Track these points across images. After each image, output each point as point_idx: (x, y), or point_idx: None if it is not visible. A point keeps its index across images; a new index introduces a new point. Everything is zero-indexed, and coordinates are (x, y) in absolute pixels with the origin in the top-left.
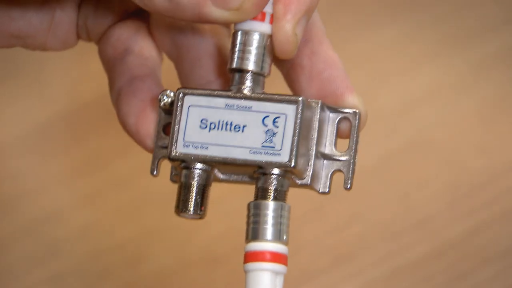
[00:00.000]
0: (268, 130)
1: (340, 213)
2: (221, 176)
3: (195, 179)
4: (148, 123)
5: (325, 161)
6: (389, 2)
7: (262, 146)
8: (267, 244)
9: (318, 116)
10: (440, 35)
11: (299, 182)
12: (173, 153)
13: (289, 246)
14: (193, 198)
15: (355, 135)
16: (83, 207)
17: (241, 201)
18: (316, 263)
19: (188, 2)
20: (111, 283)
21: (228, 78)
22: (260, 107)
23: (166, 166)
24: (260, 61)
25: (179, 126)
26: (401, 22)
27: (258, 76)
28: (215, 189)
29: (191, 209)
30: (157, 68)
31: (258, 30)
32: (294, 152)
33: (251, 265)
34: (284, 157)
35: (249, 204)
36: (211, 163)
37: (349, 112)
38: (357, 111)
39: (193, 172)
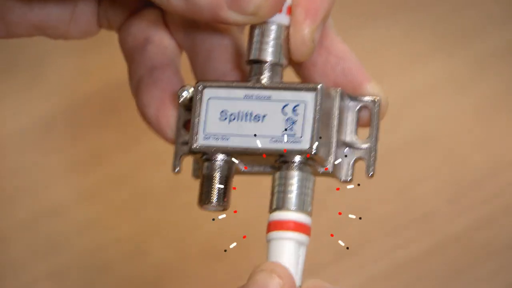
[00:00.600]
0: (288, 118)
1: (342, 208)
2: (243, 168)
3: (217, 171)
4: (169, 114)
5: (346, 149)
6: (390, 0)
7: (283, 135)
8: (291, 214)
9: (338, 104)
10: (441, 32)
11: (321, 170)
12: (194, 146)
13: None
14: (216, 189)
15: (375, 123)
16: (83, 201)
17: (241, 195)
18: (317, 257)
19: (204, 4)
20: (111, 278)
21: (243, 69)
22: (279, 96)
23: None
24: (277, 51)
25: (199, 119)
26: (401, 20)
27: (276, 66)
28: None
29: (214, 200)
30: (177, 57)
31: (276, 21)
32: (315, 139)
33: (275, 234)
34: (305, 144)
35: (274, 175)
36: (232, 153)
37: (368, 101)
38: (376, 99)
39: (215, 163)
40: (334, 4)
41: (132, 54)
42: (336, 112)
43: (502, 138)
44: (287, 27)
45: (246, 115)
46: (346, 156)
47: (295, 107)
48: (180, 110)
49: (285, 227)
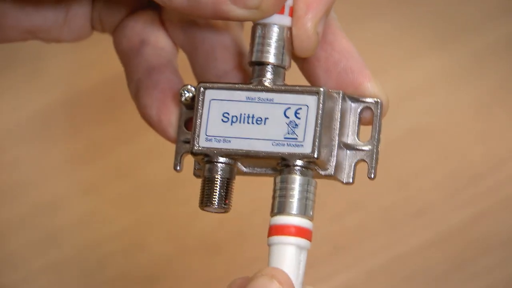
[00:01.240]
0: (290, 121)
1: (339, 202)
2: (244, 169)
3: (219, 173)
4: (170, 113)
5: (348, 151)
6: None
7: (285, 138)
8: (293, 218)
9: (339, 107)
10: (440, 25)
11: (322, 173)
12: (195, 148)
13: None
14: (217, 191)
15: (377, 125)
16: (82, 195)
17: (239, 189)
18: (315, 252)
19: (206, 0)
20: (111, 271)
21: (244, 69)
22: (281, 99)
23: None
24: (280, 53)
25: (201, 121)
26: (399, 13)
27: (279, 68)
28: None
29: (216, 202)
30: (173, 58)
31: (278, 23)
32: (317, 143)
33: (276, 239)
34: (307, 148)
35: (275, 178)
36: (234, 156)
37: (371, 102)
38: (379, 100)
39: (217, 166)
40: None
41: (128, 56)
42: (337, 114)
43: (500, 132)
44: (289, 28)
45: (248, 117)
46: (347, 158)
47: (297, 110)
48: (182, 109)
49: (286, 232)
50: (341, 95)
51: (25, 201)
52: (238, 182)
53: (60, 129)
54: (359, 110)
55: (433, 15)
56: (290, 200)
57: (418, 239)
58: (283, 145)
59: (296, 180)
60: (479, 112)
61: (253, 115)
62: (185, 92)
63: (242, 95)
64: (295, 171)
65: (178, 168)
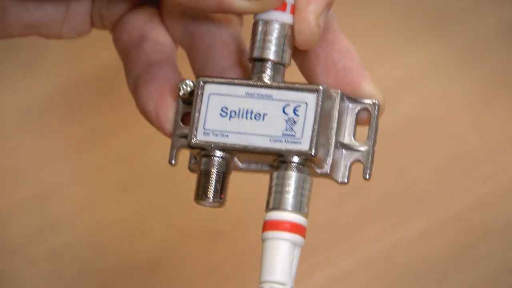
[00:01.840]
0: (289, 118)
1: (339, 188)
2: (240, 165)
3: (215, 167)
4: (167, 108)
5: (344, 151)
6: None
7: (283, 134)
8: (288, 214)
9: (338, 106)
10: (440, 10)
11: (318, 171)
12: (193, 141)
13: None
14: (213, 185)
15: (374, 126)
16: (82, 182)
17: (239, 176)
18: (313, 239)
19: None
20: (111, 259)
21: (243, 65)
22: (280, 95)
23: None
24: (280, 51)
25: (199, 114)
26: (396, 1)
27: (279, 65)
28: None
29: (211, 196)
30: (173, 54)
31: (279, 20)
32: (314, 140)
33: (270, 234)
34: (304, 145)
35: (271, 174)
36: (231, 151)
37: (368, 103)
38: (376, 102)
39: (213, 159)
40: None
41: (128, 51)
42: (335, 113)
43: (500, 119)
44: (290, 26)
45: (247, 112)
46: (343, 158)
47: (296, 107)
48: (179, 103)
49: (280, 228)
50: (339, 94)
51: (24, 188)
52: (239, 173)
53: (60, 116)
54: (356, 111)
55: (430, 2)
56: (286, 196)
57: (417, 226)
58: (281, 141)
59: (292, 177)
60: (478, 99)
61: (251, 110)
62: (184, 86)
63: (241, 90)
64: (291, 167)
65: (173, 162)
